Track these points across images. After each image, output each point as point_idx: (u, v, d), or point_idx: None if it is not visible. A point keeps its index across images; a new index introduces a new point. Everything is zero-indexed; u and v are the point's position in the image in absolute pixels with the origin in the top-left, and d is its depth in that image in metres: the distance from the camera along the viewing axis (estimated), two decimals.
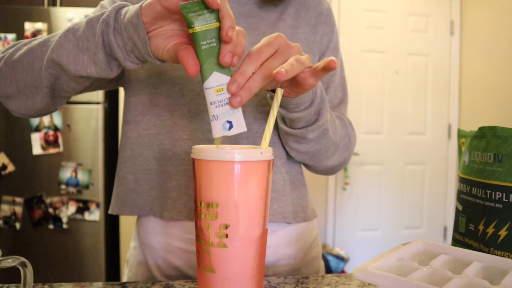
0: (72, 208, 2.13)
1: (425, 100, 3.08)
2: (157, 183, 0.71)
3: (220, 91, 0.46)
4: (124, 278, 0.79)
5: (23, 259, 0.41)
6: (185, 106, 0.69)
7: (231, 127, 0.47)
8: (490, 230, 0.53)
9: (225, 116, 0.46)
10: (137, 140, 0.72)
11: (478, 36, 2.92)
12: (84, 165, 2.14)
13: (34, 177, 2.12)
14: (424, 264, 0.47)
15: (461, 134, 0.64)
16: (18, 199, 2.12)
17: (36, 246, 2.12)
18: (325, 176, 2.56)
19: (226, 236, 0.43)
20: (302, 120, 0.59)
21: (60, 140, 2.13)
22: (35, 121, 2.11)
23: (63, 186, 2.13)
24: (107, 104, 2.22)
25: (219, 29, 0.45)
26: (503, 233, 0.52)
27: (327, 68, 0.47)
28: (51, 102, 0.64)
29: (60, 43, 0.54)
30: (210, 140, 0.69)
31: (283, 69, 0.44)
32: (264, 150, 0.44)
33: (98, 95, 2.14)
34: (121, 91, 2.36)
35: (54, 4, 2.26)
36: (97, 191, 2.14)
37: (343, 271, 2.64)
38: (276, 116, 0.66)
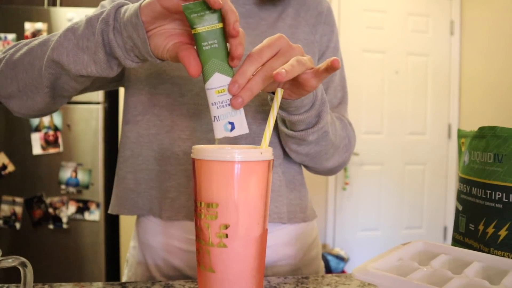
0: (72, 208, 2.13)
1: (425, 100, 3.08)
2: (157, 183, 0.71)
3: (221, 92, 0.46)
4: (124, 277, 0.79)
5: (23, 259, 0.41)
6: (185, 106, 0.69)
7: (233, 128, 0.47)
8: (490, 230, 0.53)
9: (227, 117, 0.46)
10: (137, 140, 0.72)
11: (478, 36, 2.92)
12: (84, 165, 2.14)
13: (34, 177, 2.12)
14: (424, 264, 0.47)
15: (461, 134, 0.64)
16: (18, 199, 2.12)
17: (36, 246, 2.12)
18: (325, 176, 2.56)
19: (226, 236, 0.43)
20: (302, 122, 0.59)
21: (60, 140, 2.13)
22: (35, 121, 2.11)
23: (63, 186, 2.13)
24: (107, 104, 2.22)
25: (221, 30, 0.45)
26: (503, 233, 0.52)
27: (330, 69, 0.47)
28: (52, 101, 0.64)
29: (60, 42, 0.54)
30: (210, 140, 0.69)
31: (283, 70, 0.44)
32: (264, 150, 0.44)
33: (98, 95, 2.14)
34: (121, 91, 2.36)
35: (54, 4, 2.26)
36: (97, 191, 2.14)
37: (343, 271, 2.64)
38: (276, 117, 0.66)
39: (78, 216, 2.13)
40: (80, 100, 2.12)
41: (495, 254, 0.52)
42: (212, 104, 0.46)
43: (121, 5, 0.52)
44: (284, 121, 0.63)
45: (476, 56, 2.93)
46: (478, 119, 2.89)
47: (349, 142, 0.74)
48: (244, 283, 0.44)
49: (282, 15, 0.74)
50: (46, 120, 2.11)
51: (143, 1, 0.47)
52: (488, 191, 0.54)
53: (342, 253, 2.72)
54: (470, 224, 0.57)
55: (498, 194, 0.53)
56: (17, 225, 2.12)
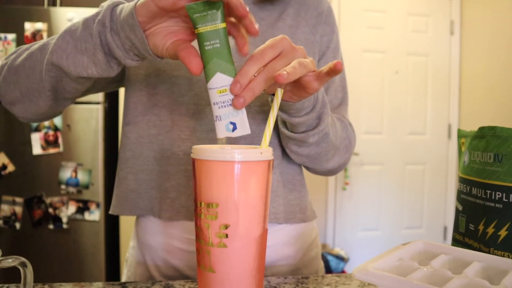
0: (72, 208, 2.13)
1: (425, 100, 3.08)
2: (157, 183, 0.71)
3: (223, 92, 0.46)
4: (123, 277, 0.79)
5: (23, 259, 0.41)
6: (184, 106, 0.69)
7: (234, 128, 0.47)
8: (490, 230, 0.53)
9: (229, 117, 0.47)
10: (137, 141, 0.72)
11: (478, 36, 2.92)
12: (84, 165, 2.14)
13: (34, 177, 2.12)
14: (424, 264, 0.47)
15: (461, 134, 0.64)
16: (18, 199, 2.12)
17: (36, 246, 2.12)
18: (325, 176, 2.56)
19: (226, 236, 0.43)
20: (303, 125, 0.59)
21: (60, 140, 2.13)
22: None
23: (63, 186, 2.13)
24: (107, 104, 2.22)
25: (224, 30, 0.45)
26: (503, 233, 0.52)
27: (332, 72, 0.47)
28: (55, 104, 0.65)
29: (58, 45, 0.54)
30: (210, 140, 0.69)
31: (284, 72, 0.44)
32: (264, 150, 0.44)
33: (98, 95, 2.14)
34: (121, 91, 2.36)
35: (54, 4, 2.26)
36: (97, 191, 2.14)
37: (343, 271, 2.64)
38: (277, 118, 0.66)
39: (78, 216, 2.13)
40: (80, 100, 2.11)
41: (495, 254, 0.52)
42: (214, 104, 0.46)
43: (116, 4, 0.51)
44: (284, 123, 0.63)
45: (476, 56, 2.93)
46: (478, 119, 2.88)
47: (350, 143, 0.74)
48: (244, 283, 0.44)
49: (282, 15, 0.74)
50: None
51: (138, 1, 0.47)
52: (488, 191, 0.54)
53: (342, 253, 2.72)
54: (470, 224, 0.57)
55: (498, 194, 0.53)
56: (17, 225, 2.12)
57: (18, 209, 2.11)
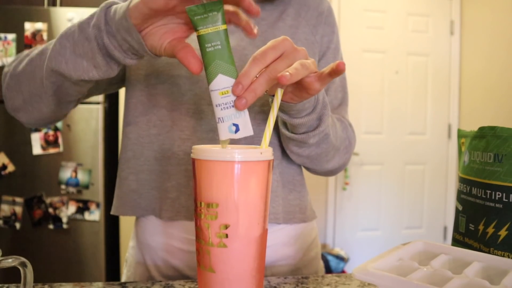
0: (72, 208, 2.13)
1: (425, 100, 3.08)
2: (158, 183, 0.71)
3: (225, 93, 0.46)
4: (123, 277, 0.79)
5: (23, 259, 0.41)
6: (185, 106, 0.69)
7: (237, 130, 0.47)
8: (490, 230, 0.53)
9: (231, 119, 0.46)
10: (138, 141, 0.72)
11: (478, 36, 2.92)
12: (84, 165, 2.14)
13: (34, 177, 2.12)
14: (424, 264, 0.47)
15: (461, 134, 0.64)
16: (18, 199, 2.12)
17: (36, 246, 2.12)
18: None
19: (226, 236, 0.43)
20: (303, 125, 0.59)
21: (60, 140, 2.13)
22: None
23: (63, 186, 2.13)
24: (107, 104, 2.22)
25: (225, 31, 0.45)
26: (503, 233, 0.52)
27: (334, 73, 0.46)
28: (58, 108, 0.66)
29: (56, 51, 0.55)
30: (210, 140, 0.69)
31: (287, 73, 0.44)
32: (264, 150, 0.44)
33: (98, 95, 2.14)
34: (121, 91, 2.36)
35: (54, 4, 2.26)
36: (97, 191, 2.14)
37: (343, 271, 2.64)
38: (277, 119, 0.66)
39: (78, 216, 2.13)
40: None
41: (495, 254, 0.52)
42: (216, 105, 0.46)
43: (109, 5, 0.51)
44: (285, 124, 0.63)
45: (476, 56, 2.93)
46: (478, 119, 2.88)
47: (349, 144, 0.74)
48: (244, 283, 0.44)
49: (283, 15, 0.74)
50: None
51: (130, 2, 0.47)
52: (488, 191, 0.54)
53: (342, 253, 2.72)
54: (470, 224, 0.57)
55: (498, 194, 0.53)
56: (17, 225, 2.12)
57: (18, 209, 2.11)
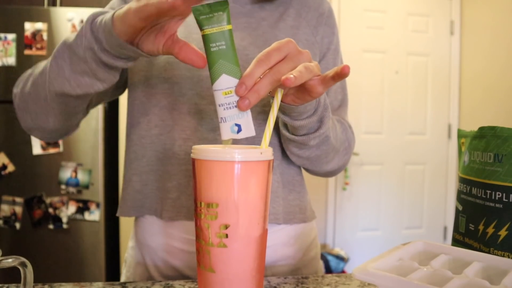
0: (72, 208, 2.13)
1: (425, 100, 3.08)
2: (159, 183, 0.71)
3: (228, 93, 0.46)
4: (122, 278, 0.78)
5: (23, 259, 0.41)
6: (185, 105, 0.69)
7: (239, 130, 0.47)
8: (490, 230, 0.53)
9: (234, 119, 0.47)
10: (140, 142, 0.72)
11: (478, 36, 2.92)
12: (84, 165, 2.14)
13: (34, 177, 2.12)
14: (424, 264, 0.47)
15: (461, 134, 0.64)
16: (18, 199, 2.12)
17: (36, 246, 2.12)
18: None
19: (226, 236, 0.43)
20: (304, 127, 0.59)
21: (60, 140, 2.13)
22: None
23: (63, 186, 2.13)
24: (107, 104, 2.22)
25: (230, 31, 0.46)
26: (503, 233, 0.52)
27: (338, 76, 0.46)
28: (68, 122, 0.67)
29: (55, 72, 0.56)
30: (211, 140, 0.69)
31: (291, 76, 0.44)
32: (264, 150, 0.44)
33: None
34: None
35: (54, 4, 2.26)
36: (97, 191, 2.14)
37: (343, 271, 2.64)
38: (277, 121, 0.67)
39: (78, 216, 2.13)
40: None
41: (495, 254, 0.52)
42: (219, 105, 0.47)
43: (94, 20, 0.52)
44: (286, 125, 0.63)
45: (476, 56, 2.93)
46: (478, 119, 2.88)
47: (349, 146, 0.74)
48: (244, 283, 0.44)
49: (283, 16, 0.74)
50: None
51: (116, 20, 0.47)
52: (488, 191, 0.54)
53: (342, 253, 2.72)
54: (470, 224, 0.57)
55: (498, 194, 0.53)
56: (17, 225, 2.12)
57: (18, 209, 2.11)
